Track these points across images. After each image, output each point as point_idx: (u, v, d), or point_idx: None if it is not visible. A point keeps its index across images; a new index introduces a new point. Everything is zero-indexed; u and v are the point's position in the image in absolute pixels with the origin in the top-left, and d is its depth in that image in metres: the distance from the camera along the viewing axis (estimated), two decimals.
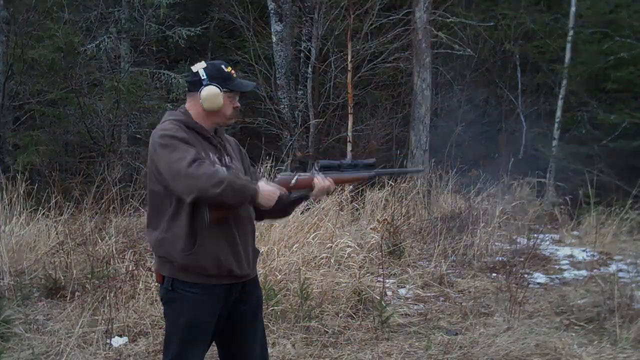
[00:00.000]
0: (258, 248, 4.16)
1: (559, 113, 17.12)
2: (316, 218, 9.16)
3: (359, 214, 10.76)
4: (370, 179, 4.25)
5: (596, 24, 16.90)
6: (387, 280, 8.44)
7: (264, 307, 6.73)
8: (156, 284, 6.27)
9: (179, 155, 3.62)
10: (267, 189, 3.81)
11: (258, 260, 4.17)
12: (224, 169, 3.79)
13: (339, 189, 10.34)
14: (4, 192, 9.34)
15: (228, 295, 3.89)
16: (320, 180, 4.00)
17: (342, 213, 9.88)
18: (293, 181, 4.00)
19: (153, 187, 3.82)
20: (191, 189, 3.58)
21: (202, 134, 3.85)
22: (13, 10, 13.25)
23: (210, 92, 3.82)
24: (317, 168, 4.10)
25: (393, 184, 11.31)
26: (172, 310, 3.88)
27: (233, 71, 3.94)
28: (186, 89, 3.98)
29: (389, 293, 8.21)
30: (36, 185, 9.94)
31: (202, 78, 3.85)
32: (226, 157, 3.93)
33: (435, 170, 12.26)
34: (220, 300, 3.86)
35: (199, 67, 3.89)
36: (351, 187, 11.13)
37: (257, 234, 7.97)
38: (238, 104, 3.96)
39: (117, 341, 6.35)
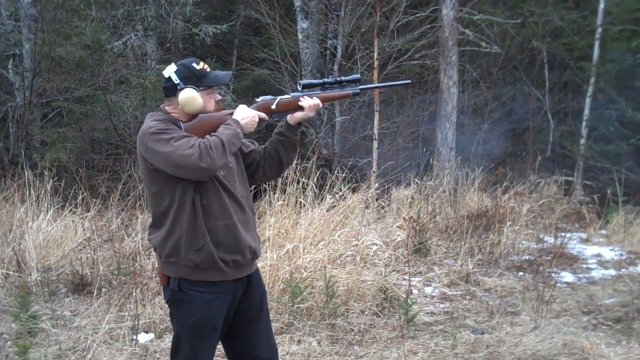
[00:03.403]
0: (259, 235, 4.17)
1: (586, 111, 17.00)
2: (342, 216, 9.14)
3: (384, 211, 10.72)
4: (355, 95, 4.32)
5: (625, 22, 16.78)
6: (413, 279, 8.41)
7: (289, 304, 6.79)
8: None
9: (177, 148, 3.62)
10: (246, 117, 3.90)
11: (260, 249, 4.17)
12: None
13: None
14: (32, 188, 9.41)
15: (235, 290, 3.92)
16: (308, 99, 4.07)
17: (367, 211, 9.85)
18: (274, 105, 4.05)
19: (151, 189, 3.82)
20: (205, 174, 3.66)
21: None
22: (41, 8, 13.32)
23: (187, 95, 3.79)
24: (299, 88, 4.14)
25: (419, 182, 11.27)
26: (180, 311, 3.87)
27: (206, 66, 3.90)
28: (164, 94, 3.93)
29: (415, 291, 8.18)
30: (63, 181, 10.01)
31: (176, 82, 3.82)
32: None
33: (461, 168, 12.20)
34: (227, 297, 3.88)
35: (170, 72, 3.85)
36: (377, 185, 11.11)
37: (282, 231, 8.02)
38: (219, 97, 3.95)
39: (144, 337, 6.38)
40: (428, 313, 7.50)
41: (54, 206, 9.33)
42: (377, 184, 11.15)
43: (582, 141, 16.84)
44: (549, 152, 18.15)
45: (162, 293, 4.03)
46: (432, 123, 15.53)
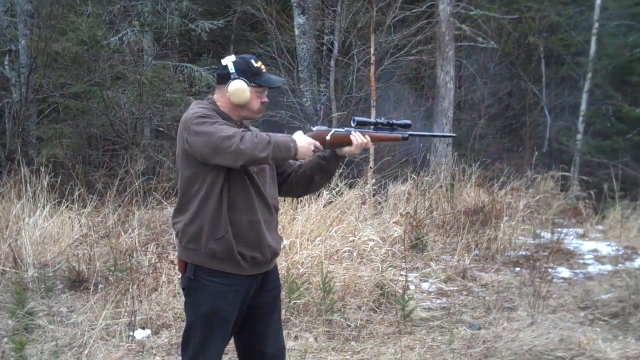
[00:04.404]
0: (281, 236, 4.19)
1: (583, 106, 16.99)
2: (339, 211, 9.14)
3: (381, 207, 10.72)
4: (404, 139, 4.30)
5: (621, 17, 16.77)
6: (410, 274, 8.41)
7: (286, 300, 6.78)
8: (179, 276, 6.30)
9: (221, 130, 3.67)
10: (303, 142, 3.88)
11: (281, 249, 4.20)
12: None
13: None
14: (28, 184, 9.39)
15: (250, 286, 3.93)
16: (358, 136, 4.08)
17: (364, 206, 9.85)
18: (328, 137, 4.06)
19: (184, 172, 3.87)
20: (242, 158, 3.65)
21: (230, 122, 3.89)
22: (37, 4, 13.30)
23: (238, 86, 3.86)
24: (353, 124, 4.16)
25: (416, 178, 11.27)
26: (193, 300, 3.90)
27: (263, 66, 3.98)
28: (215, 81, 4.01)
29: (412, 287, 8.18)
30: (60, 177, 9.99)
31: (231, 72, 3.90)
32: None
33: (458, 163, 12.19)
34: (242, 290, 3.90)
35: (229, 61, 3.94)
36: (373, 180, 11.10)
37: (279, 226, 8.01)
38: (266, 99, 4.01)
39: (140, 333, 6.38)
40: (425, 309, 7.50)
41: (50, 202, 9.30)
42: (373, 180, 11.15)
43: (579, 136, 16.84)
44: (545, 147, 18.16)
45: (180, 279, 4.05)
46: (429, 119, 15.53)
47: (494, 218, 10.34)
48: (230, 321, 3.91)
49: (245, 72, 3.90)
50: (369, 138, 4.12)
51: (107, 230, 8.67)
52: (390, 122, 4.24)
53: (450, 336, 6.48)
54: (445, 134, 5.22)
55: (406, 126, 4.27)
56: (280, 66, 14.56)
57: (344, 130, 4.11)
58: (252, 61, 3.94)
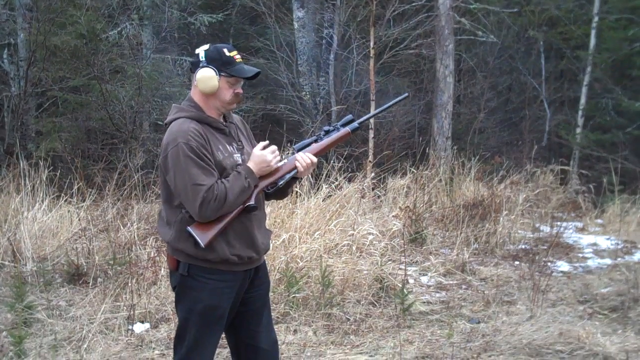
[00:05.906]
0: (270, 229, 4.15)
1: (583, 100, 16.99)
2: (338, 205, 9.13)
3: (380, 201, 10.72)
4: (355, 130, 4.17)
5: (621, 10, 16.76)
6: (409, 268, 8.40)
7: (285, 294, 6.79)
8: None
9: (199, 180, 3.61)
10: (258, 163, 3.81)
11: (271, 242, 4.14)
12: (237, 156, 3.83)
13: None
14: (27, 178, 9.38)
15: (244, 280, 3.90)
16: (301, 159, 3.94)
17: (363, 200, 9.83)
18: (281, 182, 3.95)
19: (166, 180, 3.79)
20: (201, 217, 3.64)
21: (215, 127, 3.81)
22: None
23: (204, 75, 3.75)
24: (294, 151, 4.05)
25: (415, 172, 11.26)
26: (188, 297, 3.83)
27: (237, 56, 3.83)
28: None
29: (411, 281, 8.17)
30: (58, 171, 9.99)
31: (201, 60, 3.79)
32: (239, 143, 3.94)
33: (457, 157, 12.19)
34: (236, 285, 3.86)
35: (201, 49, 3.83)
36: (373, 174, 11.09)
37: (278, 220, 8.02)
38: (240, 90, 3.86)
39: (139, 327, 6.37)
40: (424, 302, 7.49)
41: (49, 196, 9.30)
42: (373, 174, 11.14)
43: (578, 130, 16.84)
44: (545, 141, 18.15)
45: (169, 277, 3.99)
46: (428, 112, 15.52)
47: (493, 212, 10.33)
48: (224, 317, 3.87)
49: (216, 60, 3.77)
50: (312, 156, 3.97)
51: (106, 224, 8.66)
52: (330, 128, 4.13)
53: (450, 330, 6.47)
54: (395, 100, 4.70)
55: (349, 121, 4.15)
56: (279, 60, 14.54)
57: (286, 160, 3.97)
58: (225, 50, 3.81)
